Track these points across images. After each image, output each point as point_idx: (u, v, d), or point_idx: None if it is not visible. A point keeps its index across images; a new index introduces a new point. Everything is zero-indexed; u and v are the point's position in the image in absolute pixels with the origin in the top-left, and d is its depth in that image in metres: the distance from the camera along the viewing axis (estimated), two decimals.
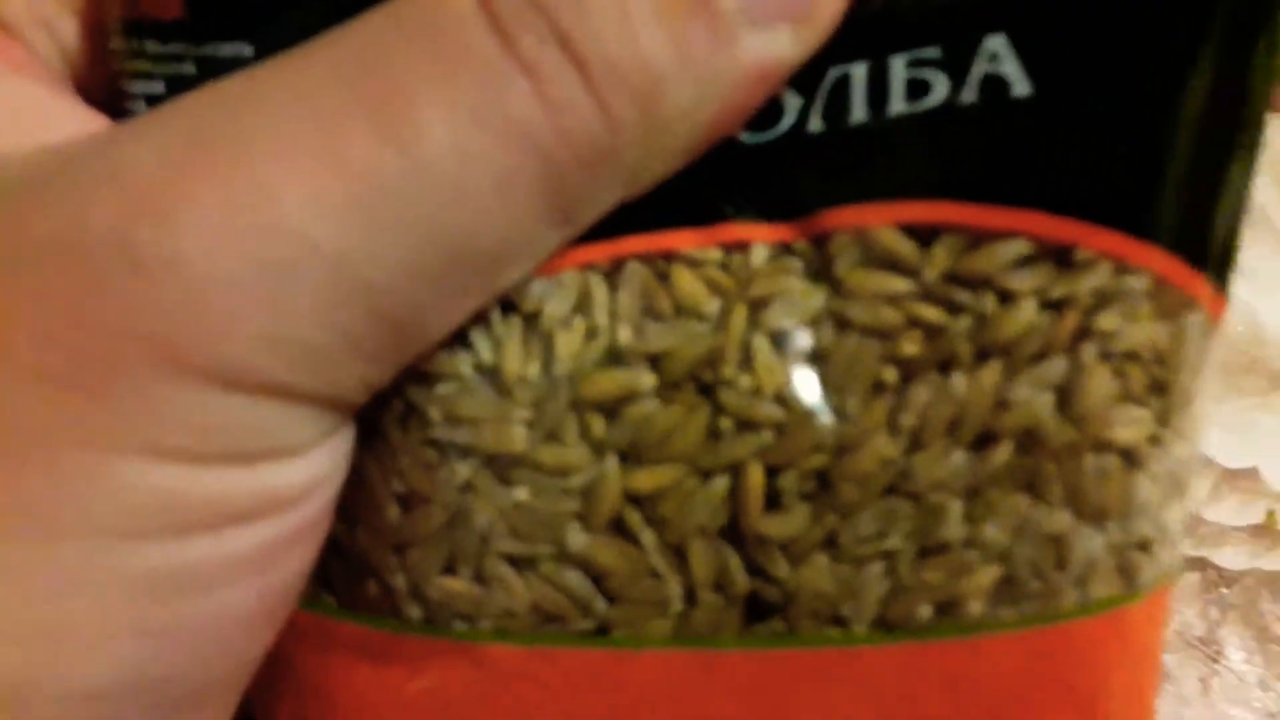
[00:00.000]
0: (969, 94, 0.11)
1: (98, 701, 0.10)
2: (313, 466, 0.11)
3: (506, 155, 0.10)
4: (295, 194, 0.09)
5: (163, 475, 0.09)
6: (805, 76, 0.11)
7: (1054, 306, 0.12)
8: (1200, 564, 0.26)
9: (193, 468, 0.09)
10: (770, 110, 0.11)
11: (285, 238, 0.09)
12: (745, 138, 0.11)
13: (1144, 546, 0.13)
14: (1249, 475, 0.27)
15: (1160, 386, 0.12)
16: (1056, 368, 0.12)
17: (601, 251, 0.11)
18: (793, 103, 0.11)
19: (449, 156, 0.10)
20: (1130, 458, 0.12)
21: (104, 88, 0.12)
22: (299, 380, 0.10)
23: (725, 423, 0.11)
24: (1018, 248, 0.11)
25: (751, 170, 0.12)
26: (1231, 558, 0.26)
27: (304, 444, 0.10)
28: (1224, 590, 0.25)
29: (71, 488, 0.09)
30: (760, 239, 0.12)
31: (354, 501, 0.12)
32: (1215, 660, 0.24)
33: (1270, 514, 0.27)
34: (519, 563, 0.12)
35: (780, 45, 0.11)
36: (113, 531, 0.09)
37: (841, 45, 0.11)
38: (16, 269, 0.09)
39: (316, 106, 0.10)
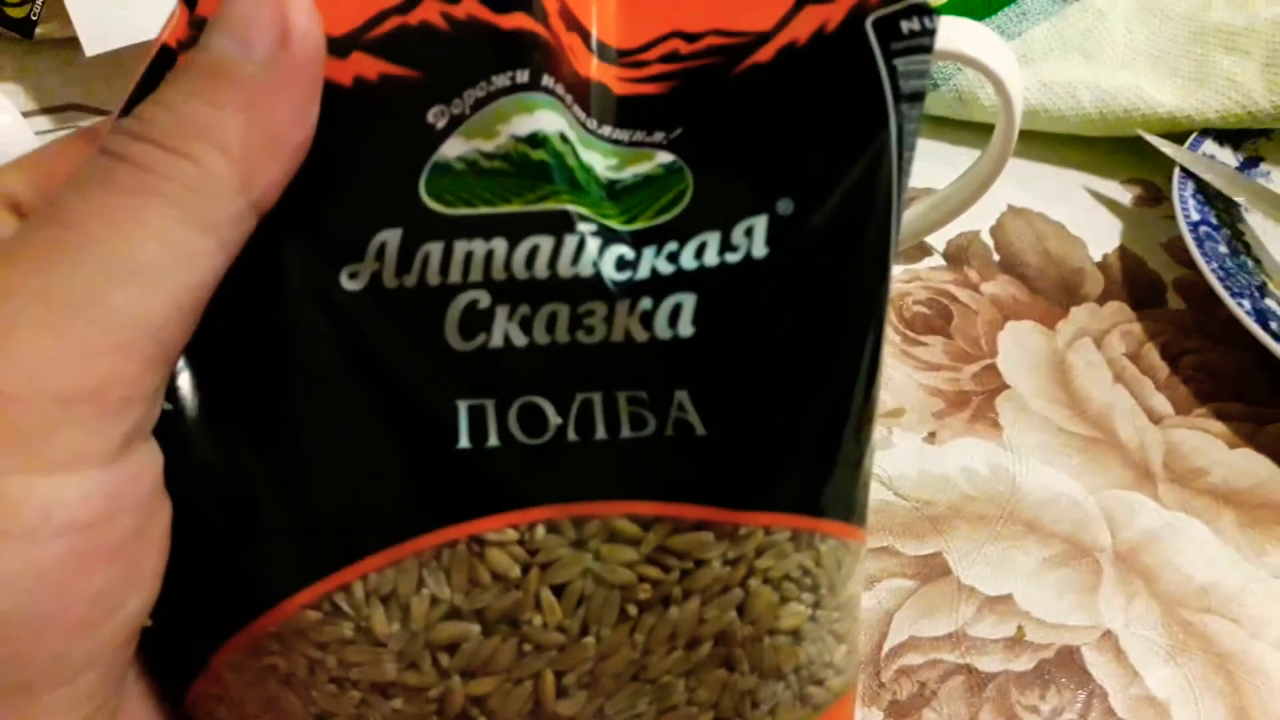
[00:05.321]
0: (669, 430, 0.17)
1: None
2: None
3: (138, 201, 0.15)
4: None
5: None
6: (560, 398, 0.17)
7: (730, 563, 0.18)
8: (965, 669, 0.32)
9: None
10: (539, 421, 0.17)
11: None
12: (523, 439, 0.17)
13: (818, 682, 0.19)
14: (1005, 600, 0.34)
15: (811, 587, 0.19)
16: (736, 596, 0.18)
17: (427, 541, 0.17)
18: (554, 421, 0.17)
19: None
20: (795, 635, 0.18)
21: None
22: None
23: (527, 646, 0.17)
24: (704, 537, 0.17)
25: (532, 465, 0.17)
26: (989, 663, 0.32)
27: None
28: (982, 688, 0.32)
29: None
30: (539, 519, 0.17)
31: None
32: None
33: (1020, 628, 0.34)
34: None
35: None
36: None
37: (581, 375, 0.17)
38: None
39: None
